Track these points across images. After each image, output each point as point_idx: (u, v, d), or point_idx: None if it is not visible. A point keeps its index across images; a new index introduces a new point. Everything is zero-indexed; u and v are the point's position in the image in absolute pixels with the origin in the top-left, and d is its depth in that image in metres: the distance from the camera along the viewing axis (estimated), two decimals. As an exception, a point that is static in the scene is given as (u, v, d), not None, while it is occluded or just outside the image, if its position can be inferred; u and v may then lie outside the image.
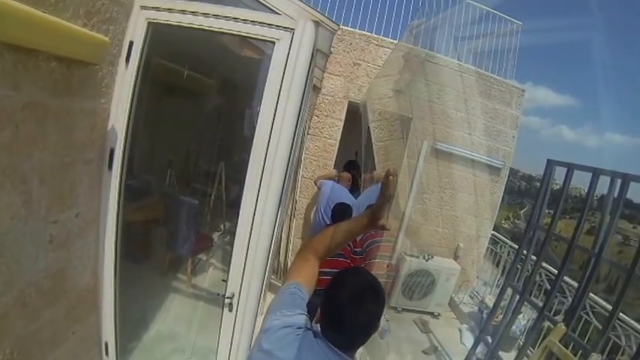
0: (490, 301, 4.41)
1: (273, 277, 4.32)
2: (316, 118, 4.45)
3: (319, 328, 1.08)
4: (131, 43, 1.71)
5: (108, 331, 2.11)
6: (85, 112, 1.58)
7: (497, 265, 4.88)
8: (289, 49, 1.65)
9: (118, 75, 1.74)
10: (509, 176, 5.10)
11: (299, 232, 4.54)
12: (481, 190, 4.80)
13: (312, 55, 1.73)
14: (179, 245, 3.70)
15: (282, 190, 1.88)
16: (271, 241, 1.93)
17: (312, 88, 3.01)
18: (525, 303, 2.93)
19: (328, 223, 3.34)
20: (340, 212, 2.96)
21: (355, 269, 1.27)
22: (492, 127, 4.78)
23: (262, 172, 1.73)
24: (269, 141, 1.70)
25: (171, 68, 3.52)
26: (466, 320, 4.47)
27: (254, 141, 1.73)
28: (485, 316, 4.15)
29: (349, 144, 5.79)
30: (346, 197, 3.78)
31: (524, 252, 2.95)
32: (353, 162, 6.18)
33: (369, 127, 4.11)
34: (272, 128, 1.69)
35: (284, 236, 4.34)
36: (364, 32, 4.46)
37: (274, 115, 1.68)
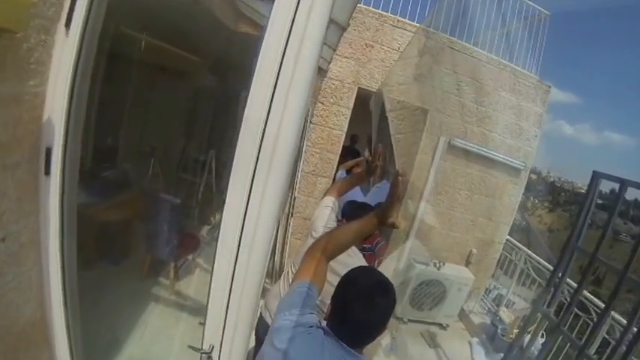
0: (504, 313, 4.05)
1: (267, 280, 3.94)
2: (320, 105, 3.96)
3: (328, 325, 1.08)
4: (73, 2, 1.22)
5: (63, 366, 1.71)
6: (2, 101, 1.11)
7: (511, 274, 4.49)
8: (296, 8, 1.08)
9: (55, 46, 1.26)
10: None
11: (297, 232, 4.11)
12: (499, 193, 4.37)
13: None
14: (161, 246, 3.26)
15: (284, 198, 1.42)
16: (264, 272, 1.49)
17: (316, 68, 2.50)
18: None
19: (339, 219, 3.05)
20: (352, 211, 2.60)
21: (364, 267, 1.28)
22: (514, 124, 4.31)
23: (254, 173, 1.18)
24: (264, 131, 1.15)
25: (134, 37, 2.92)
26: (477, 333, 4.10)
27: (240, 132, 1.19)
28: (500, 331, 3.80)
29: (361, 137, 5.34)
30: (355, 194, 3.43)
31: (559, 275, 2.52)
32: (348, 148, 5.76)
33: (385, 117, 3.63)
34: (269, 112, 1.13)
35: (280, 236, 3.91)
36: (379, 11, 3.93)
37: (272, 96, 1.12)
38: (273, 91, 1.09)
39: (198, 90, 4.54)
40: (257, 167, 1.13)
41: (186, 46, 3.45)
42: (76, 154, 1.48)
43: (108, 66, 2.49)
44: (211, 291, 1.37)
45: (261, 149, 1.12)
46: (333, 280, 1.21)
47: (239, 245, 1.27)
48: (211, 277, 1.37)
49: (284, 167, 1.15)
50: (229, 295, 1.35)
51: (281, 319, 1.08)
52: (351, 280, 1.10)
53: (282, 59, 1.07)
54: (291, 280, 1.56)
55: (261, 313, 2.04)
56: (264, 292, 3.50)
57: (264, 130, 1.11)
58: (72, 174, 1.46)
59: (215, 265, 1.33)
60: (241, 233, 1.25)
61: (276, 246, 3.88)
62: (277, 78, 1.09)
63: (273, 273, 4.03)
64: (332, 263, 1.29)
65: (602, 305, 3.03)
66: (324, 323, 1.10)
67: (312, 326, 1.05)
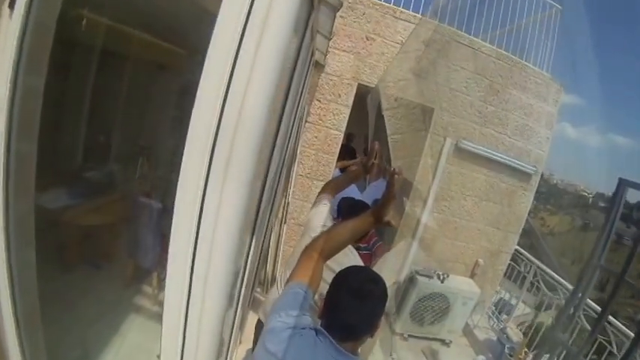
0: (512, 330, 3.77)
1: (258, 290, 3.68)
2: (317, 102, 3.69)
3: (322, 322, 1.09)
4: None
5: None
6: None
7: (520, 285, 4.20)
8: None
9: (0, 29, 1.02)
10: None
11: (291, 240, 3.84)
12: (508, 199, 4.08)
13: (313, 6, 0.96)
14: (145, 252, 3.00)
15: (261, 203, 1.16)
16: (234, 294, 1.22)
17: (311, 60, 2.22)
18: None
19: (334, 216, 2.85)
20: (348, 208, 2.39)
21: (356, 267, 1.31)
22: (525, 126, 4.02)
23: (208, 170, 0.88)
24: (221, 113, 0.82)
25: (101, 23, 2.64)
26: (482, 350, 3.82)
27: (191, 119, 0.86)
28: (507, 350, 3.52)
29: (357, 136, 5.10)
30: (351, 191, 3.22)
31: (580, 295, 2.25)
32: (346, 146, 5.54)
33: (382, 116, 3.37)
34: (228, 88, 0.81)
35: (273, 244, 3.65)
36: (380, 1, 3.67)
37: (233, 64, 0.78)
38: (227, 90, 0.79)
39: (178, 84, 4.23)
40: (208, 180, 0.84)
41: (165, 35, 3.15)
42: (28, 153, 1.24)
43: (68, 54, 2.23)
44: (165, 316, 1.10)
45: (212, 161, 0.82)
46: (329, 278, 1.22)
47: (193, 259, 0.99)
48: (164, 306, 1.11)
49: (242, 180, 0.86)
50: (185, 325, 1.08)
51: (274, 320, 1.07)
52: (341, 277, 1.13)
53: (239, 46, 0.76)
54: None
55: (260, 320, 1.97)
56: (256, 303, 3.26)
57: (214, 141, 0.81)
58: (22, 174, 1.22)
59: (166, 295, 1.05)
60: (195, 245, 0.97)
61: (268, 254, 3.63)
62: (232, 70, 0.78)
63: (265, 281, 3.77)
64: (329, 262, 1.29)
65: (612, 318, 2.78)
66: (318, 321, 1.10)
67: (304, 328, 1.05)
